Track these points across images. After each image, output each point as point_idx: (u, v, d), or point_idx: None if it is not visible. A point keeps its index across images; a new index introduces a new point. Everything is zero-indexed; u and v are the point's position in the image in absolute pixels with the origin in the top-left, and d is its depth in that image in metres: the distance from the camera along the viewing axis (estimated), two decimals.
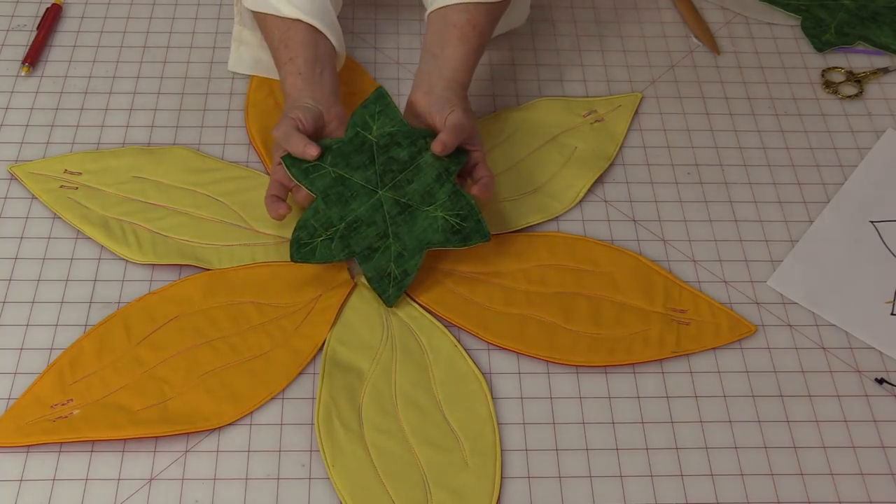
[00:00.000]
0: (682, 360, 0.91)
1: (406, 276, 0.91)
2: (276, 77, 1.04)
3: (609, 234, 1.00)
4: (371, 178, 0.92)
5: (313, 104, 0.94)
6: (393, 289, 0.91)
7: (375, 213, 0.91)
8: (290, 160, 0.91)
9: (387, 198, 0.92)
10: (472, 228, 0.91)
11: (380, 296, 0.91)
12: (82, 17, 1.18)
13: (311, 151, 0.90)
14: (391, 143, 0.94)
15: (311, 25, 0.97)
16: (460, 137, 0.92)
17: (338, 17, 1.11)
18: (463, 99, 0.95)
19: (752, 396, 0.89)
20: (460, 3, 0.96)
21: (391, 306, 0.91)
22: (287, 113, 0.93)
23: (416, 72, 0.98)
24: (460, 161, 0.93)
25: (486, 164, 0.95)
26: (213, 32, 1.17)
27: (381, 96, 0.96)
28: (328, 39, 0.99)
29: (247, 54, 1.11)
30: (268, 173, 1.02)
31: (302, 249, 0.89)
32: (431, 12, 0.99)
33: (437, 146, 0.91)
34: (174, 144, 1.05)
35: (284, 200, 0.93)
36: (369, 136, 0.94)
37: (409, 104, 0.97)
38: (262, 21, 0.99)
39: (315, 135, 0.94)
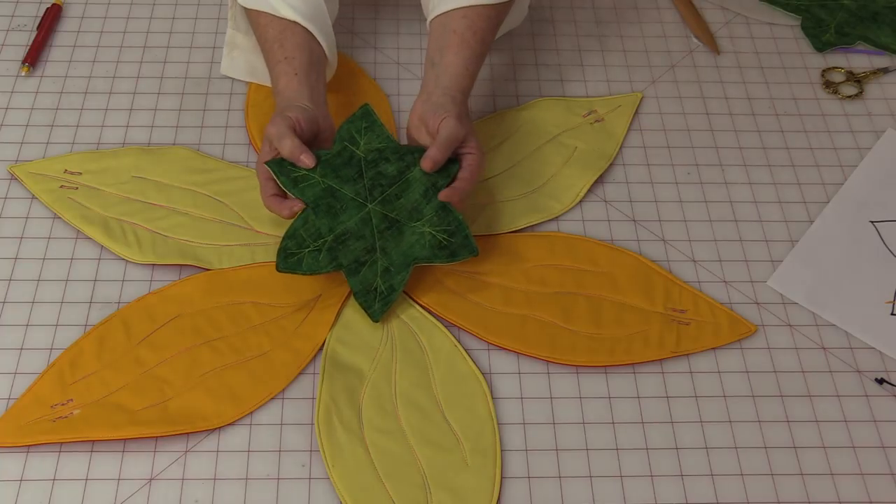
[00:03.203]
0: (682, 360, 0.91)
1: (392, 291, 0.90)
2: (270, 84, 1.02)
3: (609, 234, 1.00)
4: (360, 192, 0.92)
5: (311, 107, 0.93)
6: (378, 304, 0.90)
7: (364, 227, 0.91)
8: (277, 167, 0.90)
9: (375, 212, 0.91)
10: (460, 244, 0.90)
11: (365, 310, 0.90)
12: (82, 17, 1.18)
13: (307, 161, 0.89)
14: (379, 158, 0.93)
15: (306, 29, 0.96)
16: (452, 148, 0.91)
17: (338, 17, 1.11)
18: (460, 105, 0.94)
19: (752, 396, 0.89)
20: (460, 9, 0.95)
21: (377, 321, 0.90)
22: (283, 111, 0.91)
23: (422, 81, 0.97)
24: (450, 174, 0.92)
25: (477, 167, 0.92)
26: (213, 32, 1.17)
27: (367, 113, 0.96)
28: (321, 47, 0.98)
29: (241, 59, 1.10)
30: None
31: (289, 260, 0.88)
32: (432, 20, 0.98)
33: (426, 163, 0.90)
34: (174, 144, 1.05)
35: (286, 197, 0.91)
36: (357, 151, 0.93)
37: (411, 113, 0.95)
38: (256, 18, 0.98)
39: (310, 141, 0.92)
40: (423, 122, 0.93)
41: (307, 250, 0.89)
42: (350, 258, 0.90)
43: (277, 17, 0.96)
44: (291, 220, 0.90)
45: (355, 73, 1.13)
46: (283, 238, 0.89)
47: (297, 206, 0.89)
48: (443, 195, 0.90)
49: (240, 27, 1.08)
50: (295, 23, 0.96)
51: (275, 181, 0.91)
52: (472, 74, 0.96)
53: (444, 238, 0.90)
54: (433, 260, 0.90)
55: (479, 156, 0.93)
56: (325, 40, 0.98)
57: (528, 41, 1.18)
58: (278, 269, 0.88)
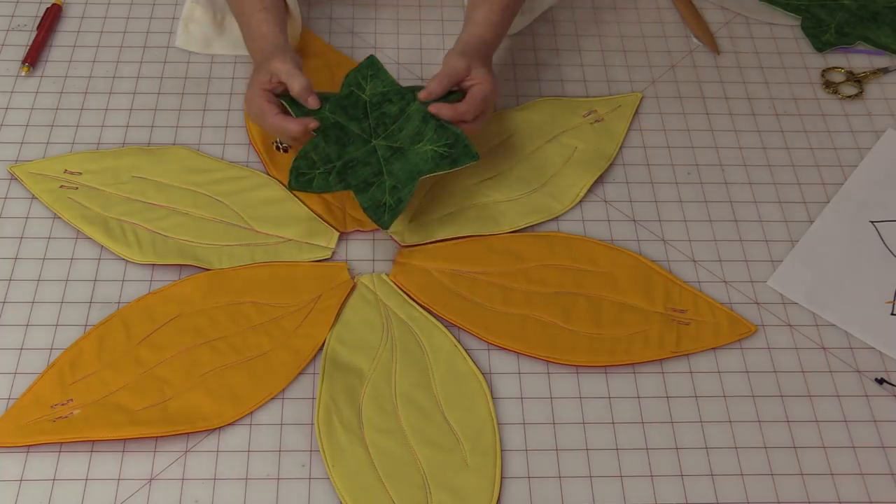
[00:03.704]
0: (682, 360, 0.91)
1: (400, 202, 0.92)
2: (223, 52, 1.11)
3: (609, 234, 1.00)
4: (365, 129, 0.97)
5: (298, 58, 0.97)
6: (388, 215, 0.92)
7: (370, 156, 0.95)
8: (290, 100, 0.95)
9: (380, 145, 0.96)
10: (461, 152, 0.93)
11: (375, 221, 0.92)
12: (82, 17, 1.18)
13: (314, 103, 0.94)
14: (383, 100, 0.99)
15: None
16: (451, 80, 0.95)
17: (338, 17, 1.14)
18: (472, 48, 0.96)
19: (752, 396, 0.89)
20: None
21: (386, 229, 0.92)
22: (283, 52, 0.95)
23: None
24: (448, 100, 0.96)
25: (480, 96, 0.94)
26: None
27: (372, 62, 1.02)
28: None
29: (197, 31, 1.14)
30: (268, 174, 1.02)
31: (300, 179, 0.91)
32: None
33: (421, 94, 0.95)
34: (174, 144, 1.05)
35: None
36: (363, 95, 0.99)
37: None
38: None
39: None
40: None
41: (318, 171, 0.92)
42: (358, 179, 0.93)
43: None
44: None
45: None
46: (295, 159, 0.92)
47: (312, 123, 0.93)
48: (433, 106, 0.94)
49: (200, 1, 1.12)
50: None
51: (277, 104, 0.94)
52: (493, 24, 0.99)
53: (445, 150, 0.94)
54: (437, 170, 0.93)
55: (486, 85, 0.94)
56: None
57: (529, 41, 1.18)
58: (290, 187, 0.91)
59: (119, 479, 0.81)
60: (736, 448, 0.85)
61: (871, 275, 0.97)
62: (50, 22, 1.15)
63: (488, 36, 0.99)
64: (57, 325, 0.90)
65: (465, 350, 0.90)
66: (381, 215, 0.92)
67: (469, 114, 0.94)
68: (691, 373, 0.90)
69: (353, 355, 0.89)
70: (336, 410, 0.85)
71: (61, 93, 1.10)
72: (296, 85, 0.93)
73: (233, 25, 1.14)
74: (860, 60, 1.19)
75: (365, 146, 0.95)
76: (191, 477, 0.82)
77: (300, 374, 0.88)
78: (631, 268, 0.96)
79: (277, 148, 1.02)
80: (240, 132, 1.07)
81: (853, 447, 0.86)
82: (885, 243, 1.00)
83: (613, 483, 0.83)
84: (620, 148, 1.07)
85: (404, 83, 1.12)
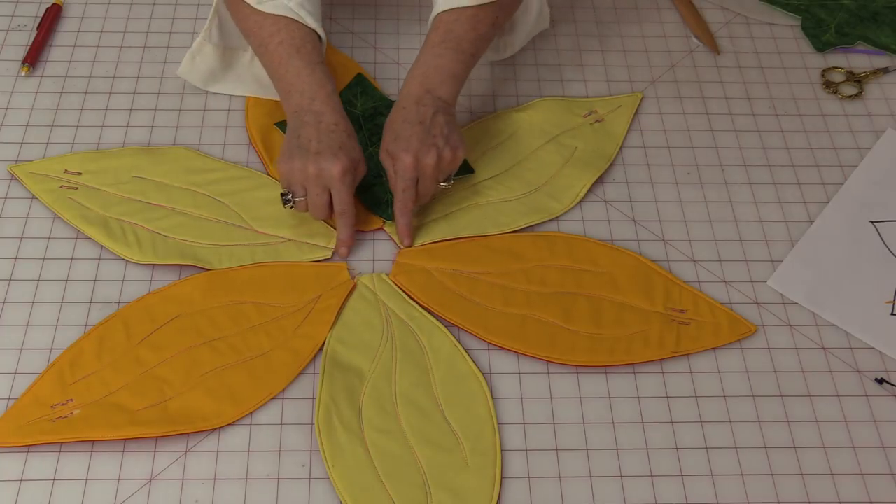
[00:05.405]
0: (682, 360, 0.91)
1: None
2: (225, 92, 1.09)
3: (609, 234, 1.00)
4: (362, 140, 1.03)
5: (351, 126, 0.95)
6: (391, 210, 0.97)
7: (368, 161, 1.00)
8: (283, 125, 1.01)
9: (377, 151, 1.00)
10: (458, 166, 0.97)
11: (380, 215, 0.98)
12: (82, 17, 1.18)
13: (343, 252, 0.95)
14: (375, 113, 1.06)
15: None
16: (393, 176, 0.93)
17: (338, 17, 1.13)
18: (405, 107, 0.93)
19: (752, 396, 0.89)
20: (444, 10, 0.96)
21: (390, 220, 0.97)
22: (344, 143, 0.91)
23: None
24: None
25: (401, 179, 0.92)
26: None
27: (360, 80, 1.09)
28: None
29: (203, 67, 1.07)
30: (268, 174, 1.02)
31: None
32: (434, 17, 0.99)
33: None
34: (174, 144, 1.05)
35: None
36: (355, 111, 1.06)
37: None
38: (275, 22, 0.95)
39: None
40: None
41: None
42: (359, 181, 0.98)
43: (304, 24, 0.95)
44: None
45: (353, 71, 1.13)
46: None
47: (345, 249, 0.96)
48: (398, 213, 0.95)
49: (211, 38, 1.05)
50: (312, 30, 0.96)
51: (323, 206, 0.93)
52: (441, 70, 0.95)
53: None
54: None
55: (400, 162, 0.92)
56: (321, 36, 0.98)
57: (529, 41, 1.18)
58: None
59: (119, 479, 0.81)
60: (736, 448, 0.85)
61: (871, 275, 0.97)
62: (50, 22, 1.15)
63: (421, 90, 0.94)
64: (57, 325, 0.90)
65: (465, 350, 0.90)
66: (386, 210, 0.98)
67: (403, 198, 0.93)
68: (691, 373, 0.90)
69: (353, 355, 0.89)
70: (336, 410, 0.85)
71: (61, 93, 1.10)
72: (344, 211, 0.92)
73: (239, 67, 1.09)
74: (860, 60, 1.19)
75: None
76: (191, 477, 0.82)
77: (300, 374, 0.88)
78: (631, 268, 0.96)
79: (285, 202, 0.94)
80: (240, 132, 1.07)
81: (853, 447, 0.86)
82: (885, 243, 1.00)
83: (613, 483, 0.83)
84: (620, 148, 1.07)
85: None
